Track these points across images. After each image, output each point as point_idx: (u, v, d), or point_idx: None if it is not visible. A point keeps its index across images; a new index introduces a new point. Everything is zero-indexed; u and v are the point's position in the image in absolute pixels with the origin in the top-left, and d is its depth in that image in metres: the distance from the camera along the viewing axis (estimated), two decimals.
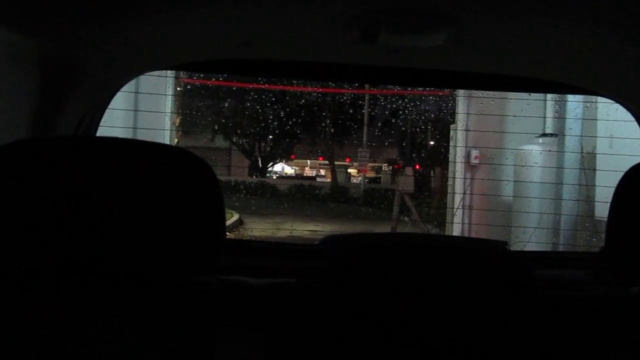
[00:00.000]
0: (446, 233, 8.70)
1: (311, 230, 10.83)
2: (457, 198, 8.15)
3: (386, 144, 17.99)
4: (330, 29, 1.35)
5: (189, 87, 12.85)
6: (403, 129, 16.36)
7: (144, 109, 6.88)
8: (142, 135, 6.60)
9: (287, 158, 21.69)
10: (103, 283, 0.94)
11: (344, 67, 1.67)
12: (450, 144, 8.75)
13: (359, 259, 1.06)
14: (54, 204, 0.89)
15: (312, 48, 1.51)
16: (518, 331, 1.05)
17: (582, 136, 6.36)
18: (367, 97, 14.72)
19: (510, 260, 1.13)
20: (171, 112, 8.12)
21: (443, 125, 12.31)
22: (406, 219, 10.87)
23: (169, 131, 7.97)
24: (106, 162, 0.91)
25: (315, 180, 20.51)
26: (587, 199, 6.25)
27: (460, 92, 8.05)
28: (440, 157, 12.09)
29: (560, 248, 6.32)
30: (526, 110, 6.62)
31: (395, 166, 16.74)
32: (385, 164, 19.45)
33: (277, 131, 17.26)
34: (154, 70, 1.68)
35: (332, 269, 1.06)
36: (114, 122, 1.74)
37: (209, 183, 0.94)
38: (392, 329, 1.01)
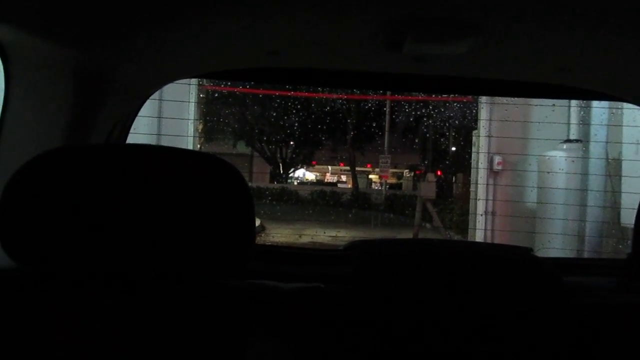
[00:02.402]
0: (469, 240, 8.64)
1: (332, 236, 10.83)
2: (480, 204, 8.09)
3: (408, 150, 17.93)
4: (356, 38, 1.37)
5: (211, 93, 12.97)
6: (425, 135, 16.30)
7: (167, 116, 6.97)
8: (165, 142, 6.68)
9: (308, 164, 21.73)
10: (136, 287, 0.97)
11: (369, 75, 1.69)
12: (473, 150, 8.70)
13: (385, 265, 1.08)
14: (90, 210, 0.92)
15: (338, 56, 1.53)
16: (545, 337, 1.05)
17: (607, 142, 6.29)
18: (388, 103, 14.71)
19: (537, 267, 1.13)
20: (194, 119, 8.20)
21: (465, 131, 12.24)
22: (428, 225, 10.82)
23: (192, 137, 8.05)
24: (140, 169, 0.94)
25: (337, 186, 20.51)
26: (613, 205, 6.17)
27: (483, 99, 8.00)
28: (462, 163, 12.01)
29: (586, 255, 6.24)
30: (550, 116, 6.57)
31: (417, 172, 16.68)
32: (407, 170, 19.39)
33: (298, 137, 17.33)
34: (184, 78, 1.71)
35: (359, 274, 1.08)
36: (138, 129, 1.78)
37: (240, 189, 0.96)
38: (419, 334, 1.02)
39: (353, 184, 19.04)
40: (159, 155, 0.97)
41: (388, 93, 12.34)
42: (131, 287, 0.97)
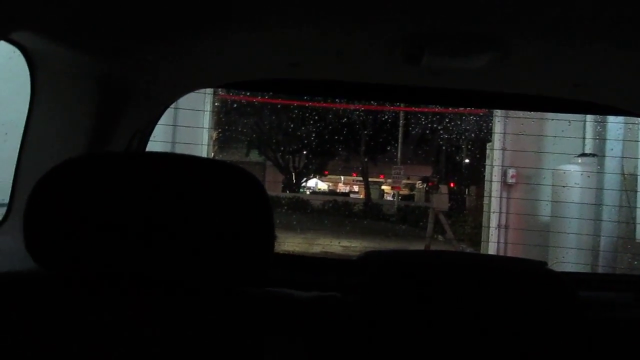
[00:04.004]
0: (481, 252, 8.59)
1: (344, 247, 10.81)
2: (493, 217, 8.06)
3: (421, 161, 17.89)
4: (375, 51, 1.38)
5: (226, 102, 13.05)
6: (438, 147, 16.26)
7: (183, 124, 7.03)
8: (180, 150, 6.73)
9: (320, 174, 21.73)
10: (156, 293, 0.98)
11: (386, 87, 1.70)
12: (487, 163, 8.67)
13: (400, 275, 1.09)
14: (112, 217, 0.94)
15: (356, 69, 1.55)
16: (559, 352, 1.06)
17: (623, 157, 6.25)
18: (402, 115, 14.71)
19: (551, 281, 1.14)
20: (209, 128, 8.26)
21: (479, 143, 12.20)
22: (440, 237, 10.78)
23: (206, 146, 8.10)
24: (162, 177, 0.96)
25: (349, 196, 20.48)
26: (629, 220, 6.12)
27: (498, 112, 7.99)
28: (476, 176, 11.97)
29: (601, 270, 6.18)
30: (565, 130, 6.54)
31: (430, 184, 16.62)
32: (420, 182, 19.33)
33: (312, 147, 17.35)
34: (203, 87, 1.74)
35: (374, 284, 1.09)
36: (153, 136, 1.82)
37: (259, 198, 0.98)
38: (432, 345, 1.03)
39: (365, 195, 19.01)
40: (181, 164, 0.99)
41: (402, 105, 12.35)
42: (151, 293, 0.98)
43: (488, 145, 8.98)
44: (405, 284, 1.07)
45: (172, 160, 1.00)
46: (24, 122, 1.46)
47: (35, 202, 0.96)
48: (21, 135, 1.47)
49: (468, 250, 10.00)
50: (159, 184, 0.95)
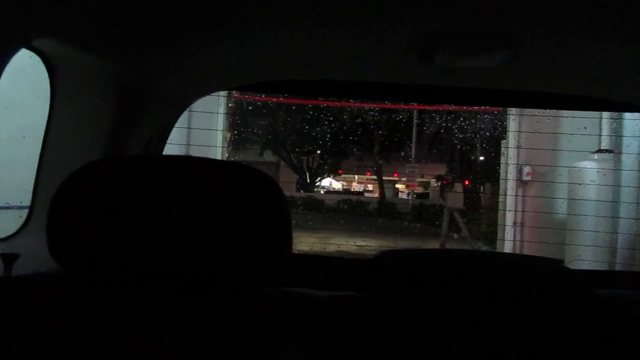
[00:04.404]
0: (497, 251, 8.55)
1: (359, 246, 10.80)
2: (509, 215, 8.01)
3: (435, 159, 17.84)
4: (389, 51, 1.39)
5: (240, 103, 13.10)
6: (453, 145, 16.20)
7: (196, 125, 7.07)
8: (193, 151, 6.77)
9: (335, 173, 21.74)
10: (176, 293, 1.00)
11: (400, 87, 1.71)
12: (502, 161, 8.63)
13: (417, 274, 1.09)
14: (133, 218, 0.96)
15: (370, 68, 1.55)
16: (576, 349, 1.06)
17: None
18: (415, 113, 14.67)
19: (568, 278, 1.14)
20: (222, 130, 8.30)
21: (494, 141, 12.13)
22: (455, 235, 10.73)
23: (220, 148, 8.14)
24: (181, 179, 0.98)
25: (363, 195, 20.46)
26: None
27: (513, 109, 7.94)
28: (491, 174, 11.90)
29: (618, 268, 6.13)
30: (581, 127, 6.49)
31: (445, 182, 16.55)
32: (434, 180, 19.26)
33: (325, 146, 17.36)
34: (219, 90, 1.76)
35: (391, 282, 1.10)
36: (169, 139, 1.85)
37: (277, 199, 0.99)
38: (449, 343, 1.04)
39: (380, 193, 18.99)
40: (199, 166, 1.01)
41: (416, 104, 12.32)
42: (171, 294, 1.00)
43: (503, 142, 8.94)
44: (422, 283, 1.08)
45: (190, 163, 1.02)
46: (40, 127, 1.49)
47: (58, 204, 0.98)
48: (37, 138, 1.49)
49: (484, 248, 9.96)
50: (178, 186, 0.96)
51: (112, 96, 1.43)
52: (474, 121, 13.15)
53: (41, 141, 1.47)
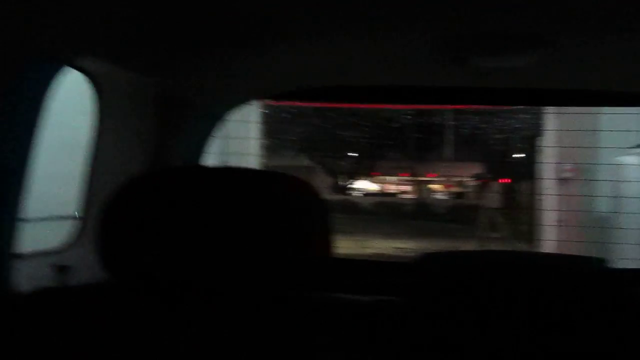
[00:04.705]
0: (537, 250, 8.41)
1: (396, 248, 10.76)
2: (548, 214, 7.87)
3: (471, 158, 17.63)
4: (422, 54, 1.40)
5: (273, 108, 13.20)
6: (488, 143, 16.00)
7: (231, 132, 7.15)
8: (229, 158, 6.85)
9: (369, 175, 21.68)
10: (222, 300, 1.03)
11: (434, 90, 1.71)
12: (539, 159, 8.49)
13: (462, 277, 1.09)
14: (181, 227, 0.99)
15: (404, 72, 1.56)
16: (619, 350, 1.05)
17: None
18: (450, 112, 14.54)
19: (610, 278, 1.13)
20: (257, 138, 8.39)
21: (531, 138, 11.94)
22: (494, 235, 10.59)
23: (255, 156, 8.22)
24: (224, 189, 1.01)
25: (398, 197, 20.35)
26: None
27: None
28: (528, 172, 11.72)
29: None
30: (619, 122, 6.34)
31: (481, 181, 16.35)
32: (470, 179, 19.04)
33: (359, 149, 17.34)
34: (256, 99, 1.80)
35: (434, 286, 1.10)
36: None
37: (317, 206, 1.01)
38: (494, 346, 1.04)
39: (415, 194, 18.88)
40: (242, 176, 1.04)
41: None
42: (218, 301, 1.03)
43: (540, 139, 8.80)
44: (465, 286, 1.08)
45: (234, 173, 1.05)
46: (83, 141, 1.55)
47: (108, 216, 1.02)
48: (80, 152, 1.55)
49: (523, 247, 9.81)
50: (224, 196, 0.99)
51: (153, 109, 1.47)
52: (509, 117, 12.97)
53: (80, 154, 1.53)
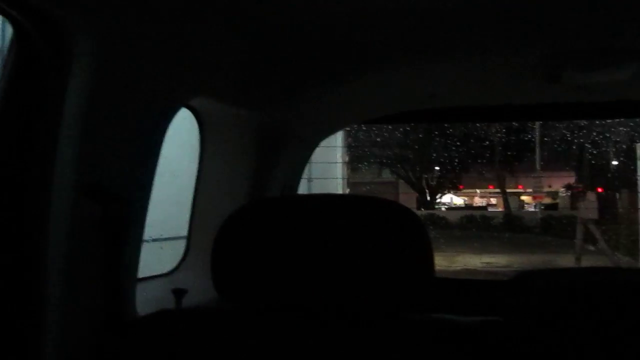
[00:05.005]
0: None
1: (486, 263, 10.47)
2: None
3: (562, 167, 16.92)
4: (515, 73, 1.40)
5: (356, 127, 13.30)
6: (581, 150, 15.31)
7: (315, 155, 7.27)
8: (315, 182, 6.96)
9: (455, 188, 21.27)
10: (327, 322, 1.07)
11: (527, 107, 1.70)
12: (638, 165, 8.04)
13: (565, 297, 1.07)
14: (287, 253, 1.04)
15: (495, 92, 1.57)
16: None
17: None
18: (538, 123, 14.05)
19: None
20: (342, 162, 8.47)
21: (626, 143, 11.33)
22: (592, 248, 10.08)
23: (341, 179, 8.30)
24: (327, 215, 1.06)
25: (487, 209, 19.81)
26: None
27: None
28: (627, 179, 11.09)
29: None
30: None
31: (575, 190, 15.62)
32: (563, 189, 18.25)
33: (443, 162, 17.10)
34: (349, 125, 1.86)
35: (539, 307, 1.08)
36: None
37: (418, 230, 1.04)
38: None
39: (504, 207, 18.31)
40: (343, 203, 1.09)
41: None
42: (323, 323, 1.07)
43: (637, 145, 8.33)
44: (572, 307, 1.06)
45: (335, 200, 1.10)
46: (189, 170, 1.66)
47: (221, 241, 1.09)
48: (187, 180, 1.66)
49: (625, 260, 9.26)
50: (327, 222, 1.04)
51: (252, 139, 1.56)
52: (603, 128, 12.37)
53: (179, 179, 1.64)
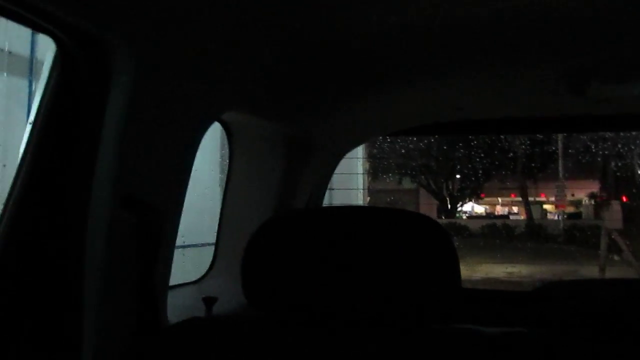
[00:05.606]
0: None
1: (509, 272, 10.37)
2: None
3: (585, 175, 16.70)
4: (539, 86, 1.42)
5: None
6: (604, 158, 15.10)
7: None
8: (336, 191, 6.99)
9: (476, 197, 21.10)
10: (355, 333, 1.09)
11: (551, 120, 1.71)
12: None
13: (589, 308, 1.08)
14: (316, 264, 1.07)
15: (519, 105, 1.58)
16: None
17: None
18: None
19: None
20: (363, 173, 8.49)
21: None
22: (616, 257, 9.93)
23: (362, 190, 8.29)
24: (354, 227, 1.08)
25: (508, 218, 19.61)
26: None
27: None
28: None
29: None
30: None
31: (599, 199, 15.40)
32: (586, 198, 18.00)
33: (464, 170, 17.00)
34: (375, 137, 1.89)
35: (565, 318, 1.09)
36: None
37: (445, 242, 1.06)
38: None
39: (526, 216, 18.12)
40: (370, 215, 1.11)
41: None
42: (349, 333, 1.09)
43: None
44: (595, 319, 1.07)
45: (361, 213, 1.13)
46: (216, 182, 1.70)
47: (251, 251, 1.12)
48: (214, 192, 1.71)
49: None
50: (354, 234, 1.07)
51: (280, 152, 1.60)
52: (628, 139, 12.19)
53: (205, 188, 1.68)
